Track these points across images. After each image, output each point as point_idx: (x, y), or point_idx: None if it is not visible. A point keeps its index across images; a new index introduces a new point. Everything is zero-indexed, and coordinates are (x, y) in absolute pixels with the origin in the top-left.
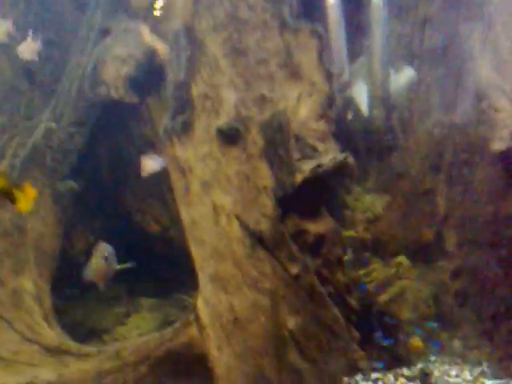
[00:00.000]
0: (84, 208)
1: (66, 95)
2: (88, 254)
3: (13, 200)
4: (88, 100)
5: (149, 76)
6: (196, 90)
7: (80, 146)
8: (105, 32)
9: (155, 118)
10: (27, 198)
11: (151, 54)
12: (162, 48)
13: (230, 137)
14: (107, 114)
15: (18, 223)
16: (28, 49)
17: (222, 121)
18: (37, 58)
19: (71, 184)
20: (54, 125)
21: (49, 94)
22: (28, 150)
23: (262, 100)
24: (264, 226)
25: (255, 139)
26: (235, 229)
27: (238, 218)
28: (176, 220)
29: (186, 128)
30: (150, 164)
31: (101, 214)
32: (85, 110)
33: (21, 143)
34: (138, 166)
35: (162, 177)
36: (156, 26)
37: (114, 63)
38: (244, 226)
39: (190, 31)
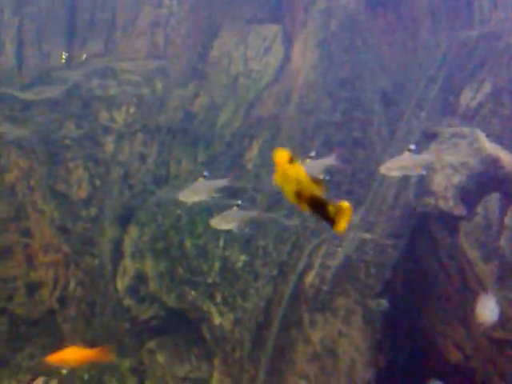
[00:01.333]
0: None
1: (380, 203)
2: None
3: (329, 218)
4: (406, 209)
5: (483, 187)
6: None
7: (394, 261)
8: (431, 136)
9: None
10: (345, 218)
11: (490, 162)
12: (506, 158)
13: None
14: (422, 225)
15: (329, 346)
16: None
17: None
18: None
19: (383, 302)
20: (369, 236)
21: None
22: (340, 262)
23: None
24: None
25: None
26: None
27: None
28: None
29: None
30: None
31: (397, 332)
32: (402, 221)
33: (329, 252)
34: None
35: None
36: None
37: (444, 171)
38: None
39: None
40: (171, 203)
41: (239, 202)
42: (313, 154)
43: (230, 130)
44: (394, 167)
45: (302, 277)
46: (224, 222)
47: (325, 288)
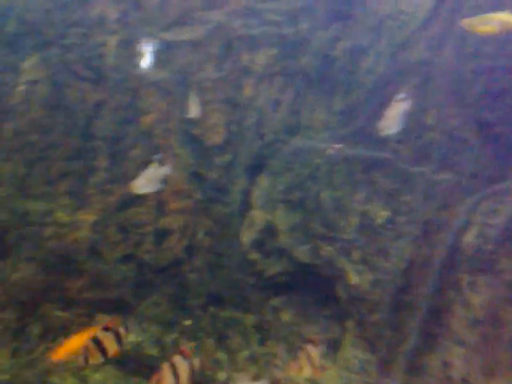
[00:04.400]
0: None
1: None
2: None
3: None
4: None
5: None
6: None
7: None
8: None
9: None
10: None
11: None
12: None
13: None
14: None
15: (491, 311)
16: None
17: None
18: None
19: None
20: None
21: None
22: (504, 219)
23: None
24: None
25: None
26: None
27: None
28: None
29: None
30: None
31: None
32: None
33: (491, 209)
34: None
35: None
36: None
37: None
38: None
39: None
40: (310, 152)
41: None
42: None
43: (373, 77)
44: None
45: (458, 236)
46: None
47: (488, 248)
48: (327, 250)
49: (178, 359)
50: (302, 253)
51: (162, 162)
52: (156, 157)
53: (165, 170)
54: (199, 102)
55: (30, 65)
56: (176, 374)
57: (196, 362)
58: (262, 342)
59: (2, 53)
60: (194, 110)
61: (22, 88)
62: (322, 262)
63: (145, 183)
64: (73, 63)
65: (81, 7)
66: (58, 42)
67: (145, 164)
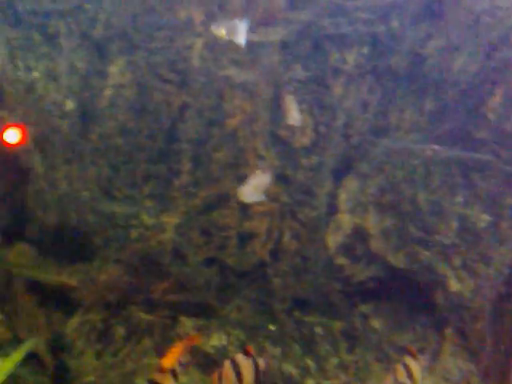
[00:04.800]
0: None
1: None
2: None
3: None
4: None
5: None
6: None
7: None
8: None
9: None
10: None
11: None
12: None
13: None
14: None
15: None
16: None
17: None
18: None
19: None
20: None
21: None
22: None
23: None
24: None
25: None
26: None
27: None
28: None
29: None
30: None
31: None
32: None
33: None
34: None
35: None
36: None
37: None
38: None
39: None
40: (404, 153)
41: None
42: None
43: (467, 76)
44: None
45: None
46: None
47: None
48: (425, 254)
49: (240, 357)
50: (397, 258)
51: (264, 170)
52: (260, 165)
53: (268, 179)
54: (298, 108)
55: (116, 69)
56: (239, 373)
57: (261, 361)
58: (350, 350)
59: (90, 57)
60: (293, 117)
61: (108, 92)
62: (419, 268)
63: (251, 192)
64: (158, 66)
65: (168, 10)
66: (144, 46)
67: (229, 167)
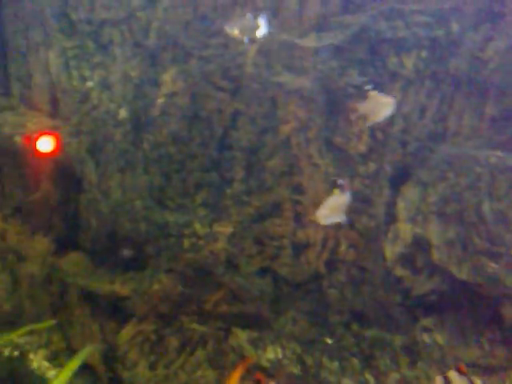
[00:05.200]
0: None
1: None
2: None
3: None
4: None
5: None
6: None
7: None
8: None
9: None
10: None
11: None
12: None
13: None
14: None
15: None
16: None
17: None
18: None
19: None
20: None
21: None
22: None
23: None
24: None
25: None
26: None
27: None
28: None
29: None
30: None
31: None
32: None
33: None
34: None
35: None
36: None
37: None
38: None
39: None
40: (467, 160)
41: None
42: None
43: None
44: None
45: None
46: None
47: None
48: (491, 266)
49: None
50: (461, 270)
51: (343, 189)
52: (339, 183)
53: (346, 199)
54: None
55: (169, 77)
56: None
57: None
58: (412, 365)
59: (143, 66)
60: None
61: (161, 100)
62: (485, 280)
63: (330, 214)
64: (211, 74)
65: (221, 17)
66: (197, 54)
67: (282, 174)
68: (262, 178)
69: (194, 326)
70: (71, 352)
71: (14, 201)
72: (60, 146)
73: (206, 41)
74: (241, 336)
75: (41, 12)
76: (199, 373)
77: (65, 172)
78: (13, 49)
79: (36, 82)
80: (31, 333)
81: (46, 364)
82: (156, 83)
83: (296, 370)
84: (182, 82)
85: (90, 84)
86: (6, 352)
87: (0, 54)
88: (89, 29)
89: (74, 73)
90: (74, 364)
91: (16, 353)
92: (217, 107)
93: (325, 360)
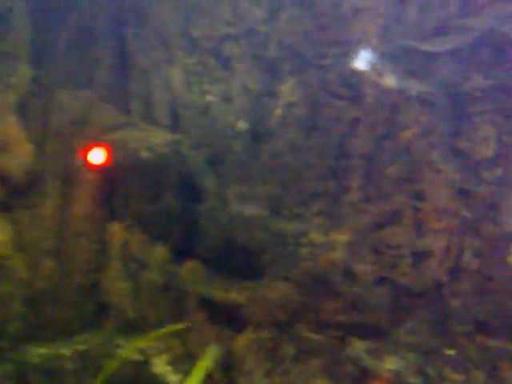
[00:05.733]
0: None
1: None
2: None
3: None
4: None
5: None
6: None
7: None
8: None
9: None
10: None
11: None
12: None
13: None
14: None
15: None
16: None
17: None
18: None
19: None
20: None
21: None
22: None
23: None
24: None
25: None
26: None
27: None
28: None
29: None
30: None
31: None
32: None
33: None
34: None
35: None
36: None
37: None
38: None
39: None
40: None
41: None
42: None
43: None
44: None
45: None
46: None
47: None
48: None
49: None
50: None
51: None
52: None
53: None
54: None
55: (287, 88)
56: None
57: None
58: None
59: (262, 78)
60: None
61: (279, 111)
62: None
63: None
64: (330, 83)
65: (341, 26)
66: (316, 63)
67: (402, 181)
68: (380, 186)
69: (311, 334)
70: (189, 357)
71: (136, 212)
72: (179, 159)
73: (326, 50)
74: (358, 346)
75: (164, 31)
76: (315, 382)
77: (185, 184)
78: (134, 68)
79: (157, 99)
80: (153, 338)
81: (168, 369)
82: (274, 94)
83: (417, 381)
84: (301, 91)
85: (210, 98)
86: (132, 357)
87: (122, 73)
88: (209, 45)
89: (195, 88)
90: (203, 363)
91: (140, 357)
92: (335, 115)
93: (447, 371)
